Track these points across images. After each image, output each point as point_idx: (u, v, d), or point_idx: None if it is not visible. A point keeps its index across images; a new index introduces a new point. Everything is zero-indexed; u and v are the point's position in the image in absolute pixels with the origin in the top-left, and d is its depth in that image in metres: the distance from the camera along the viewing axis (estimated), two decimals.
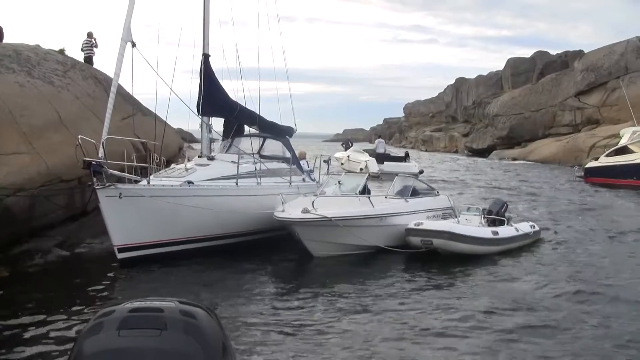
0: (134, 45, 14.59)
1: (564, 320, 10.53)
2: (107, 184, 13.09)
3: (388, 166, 37.82)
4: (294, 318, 10.56)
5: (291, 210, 14.94)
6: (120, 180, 13.73)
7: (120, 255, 13.58)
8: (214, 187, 15.67)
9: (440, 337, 9.72)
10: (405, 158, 42.02)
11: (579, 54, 74.97)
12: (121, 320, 2.46)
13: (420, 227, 15.85)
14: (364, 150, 44.02)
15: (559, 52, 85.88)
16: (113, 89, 14.52)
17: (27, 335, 9.46)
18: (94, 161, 12.82)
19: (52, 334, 9.49)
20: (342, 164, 41.43)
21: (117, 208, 13.22)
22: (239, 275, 13.75)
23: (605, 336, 9.78)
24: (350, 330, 9.95)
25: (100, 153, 13.39)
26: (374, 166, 37.64)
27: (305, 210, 14.71)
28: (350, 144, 47.24)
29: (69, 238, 15.44)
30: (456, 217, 17.43)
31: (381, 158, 40.65)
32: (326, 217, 14.73)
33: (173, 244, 14.55)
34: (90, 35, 24.86)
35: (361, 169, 34.59)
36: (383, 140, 46.75)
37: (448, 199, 19.23)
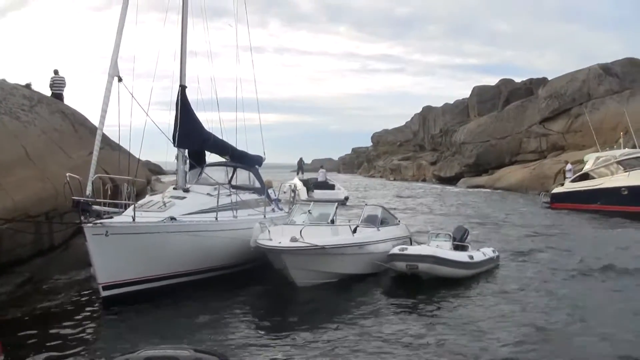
0: (120, 80, 14.53)
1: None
2: (96, 222, 12.95)
3: (317, 193, 40.67)
4: (293, 353, 10.50)
5: (279, 239, 14.92)
6: (99, 216, 13.56)
7: (104, 293, 13.26)
8: (195, 222, 15.57)
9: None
10: (334, 186, 45.97)
11: (543, 81, 76.12)
12: None
13: (405, 252, 16.27)
14: (308, 179, 47.18)
15: (524, 79, 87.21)
16: (100, 125, 14.30)
17: None
18: (82, 200, 12.79)
19: None
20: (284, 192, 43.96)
21: (103, 246, 12.99)
22: (227, 312, 13.48)
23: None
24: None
25: (88, 191, 13.34)
26: (303, 193, 40.29)
27: (293, 239, 14.67)
28: (298, 172, 50.34)
29: (36, 274, 15.26)
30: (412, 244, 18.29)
31: (317, 186, 44.57)
32: (318, 246, 14.84)
33: (156, 279, 14.34)
34: (56, 72, 24.74)
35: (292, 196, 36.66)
36: (324, 170, 51.34)
37: (407, 228, 19.87)
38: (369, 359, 10.08)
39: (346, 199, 41.34)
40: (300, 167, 52.26)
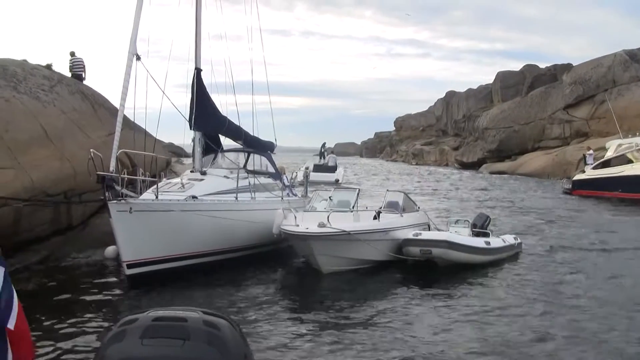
0: (138, 58, 14.36)
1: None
2: (119, 199, 12.99)
3: (313, 175, 42.77)
4: (309, 332, 10.64)
5: (304, 225, 14.86)
6: (118, 196, 13.29)
7: (128, 272, 13.36)
8: (217, 201, 15.76)
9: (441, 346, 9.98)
10: (333, 170, 49.98)
11: (568, 67, 75.20)
12: (144, 329, 2.46)
13: (420, 237, 16.25)
14: (322, 164, 51.74)
15: (549, 65, 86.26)
16: (122, 102, 14.18)
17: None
18: (107, 175, 12.74)
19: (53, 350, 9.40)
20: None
21: (127, 223, 13.05)
22: (247, 290, 13.69)
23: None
24: (358, 341, 10.13)
25: (112, 167, 13.17)
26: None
27: (321, 225, 14.59)
28: (321, 158, 54.73)
29: (53, 252, 15.44)
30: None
31: (317, 169, 48.15)
32: (346, 231, 14.82)
33: (178, 259, 14.45)
34: (72, 54, 24.47)
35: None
36: (334, 156, 55.42)
37: (426, 215, 19.71)
38: (376, 344, 10.07)
39: (337, 181, 45.00)
40: (322, 152, 53.78)
